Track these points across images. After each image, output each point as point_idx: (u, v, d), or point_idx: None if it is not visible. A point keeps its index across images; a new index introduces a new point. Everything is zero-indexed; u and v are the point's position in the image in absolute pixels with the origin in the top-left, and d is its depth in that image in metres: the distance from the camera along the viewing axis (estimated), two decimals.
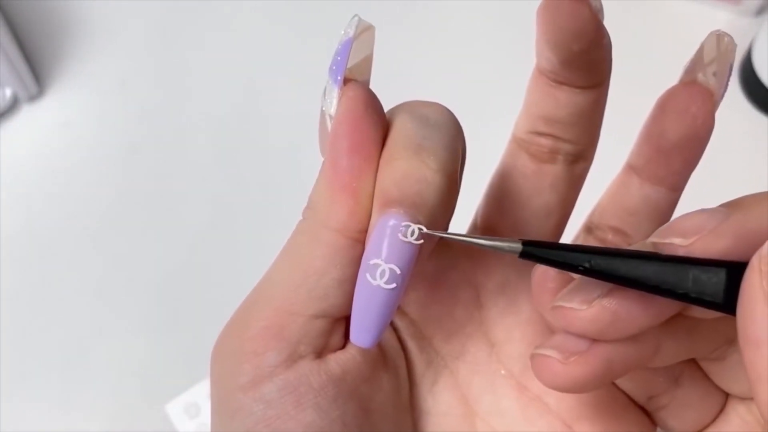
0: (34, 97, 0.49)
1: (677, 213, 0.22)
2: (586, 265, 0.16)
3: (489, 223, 0.23)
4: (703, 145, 0.21)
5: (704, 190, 0.45)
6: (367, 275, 0.18)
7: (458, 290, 0.22)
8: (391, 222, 0.17)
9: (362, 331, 0.18)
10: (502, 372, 0.22)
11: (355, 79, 0.19)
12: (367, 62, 0.19)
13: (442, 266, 0.22)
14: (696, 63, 0.20)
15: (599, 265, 0.16)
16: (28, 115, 0.49)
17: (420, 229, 0.17)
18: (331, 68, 0.19)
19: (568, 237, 0.24)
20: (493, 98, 0.40)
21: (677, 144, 0.21)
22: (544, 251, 0.17)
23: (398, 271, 0.17)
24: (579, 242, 0.24)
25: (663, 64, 0.48)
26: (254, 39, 0.52)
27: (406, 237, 0.17)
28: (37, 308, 0.44)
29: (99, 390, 0.42)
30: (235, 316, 0.20)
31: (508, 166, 0.23)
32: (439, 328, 0.22)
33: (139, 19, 0.52)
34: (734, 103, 0.47)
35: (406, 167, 0.18)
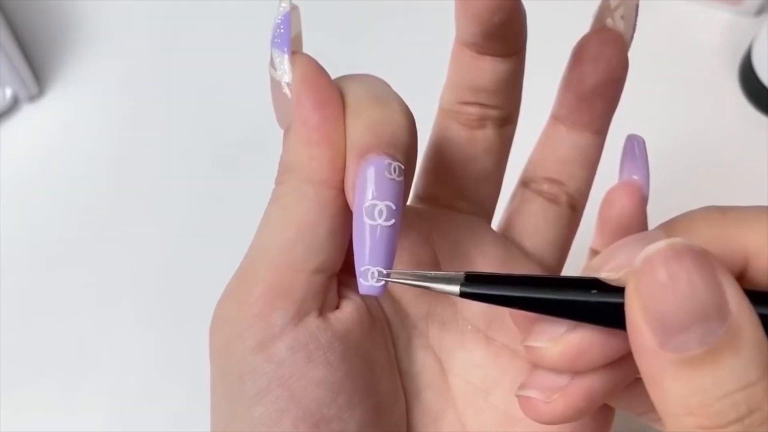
0: (34, 97, 0.49)
1: (693, 205, 0.23)
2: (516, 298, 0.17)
3: (430, 192, 0.24)
4: (620, 85, 0.23)
5: (705, 189, 0.46)
6: (365, 218, 0.18)
7: (418, 252, 0.22)
8: (375, 164, 0.18)
9: (372, 278, 0.18)
10: (469, 327, 0.23)
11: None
12: (298, 39, 0.20)
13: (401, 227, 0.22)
14: (603, 10, 0.22)
15: (527, 300, 0.17)
16: (28, 115, 0.49)
17: (400, 167, 0.18)
18: (274, 41, 0.19)
19: (504, 194, 0.25)
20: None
21: (596, 88, 0.22)
22: (482, 288, 0.18)
23: (394, 207, 0.18)
24: (518, 196, 0.25)
25: (663, 63, 0.49)
26: (254, 39, 0.51)
27: (392, 174, 0.18)
28: (36, 308, 0.44)
29: (99, 390, 0.42)
30: (232, 284, 0.20)
31: (441, 137, 0.24)
32: (404, 289, 0.22)
33: (139, 19, 0.52)
34: (734, 103, 0.47)
35: (376, 114, 0.19)
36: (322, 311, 0.19)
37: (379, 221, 0.18)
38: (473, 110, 0.23)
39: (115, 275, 0.45)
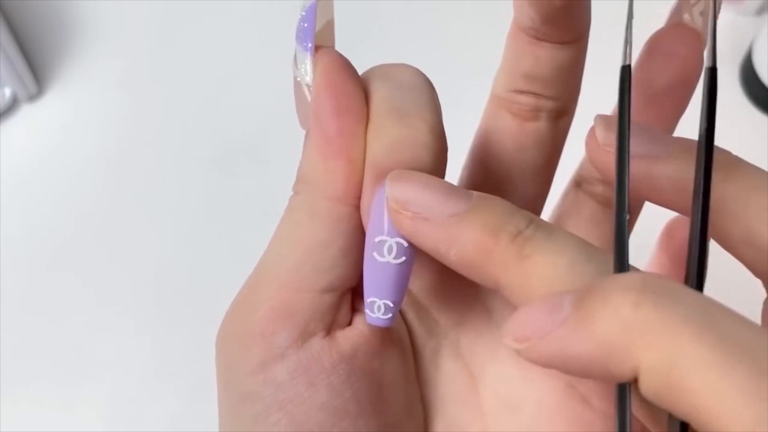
0: (34, 97, 0.49)
1: None
2: None
3: (475, 185, 0.23)
4: (692, 88, 0.21)
5: None
6: (374, 254, 0.17)
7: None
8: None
9: (378, 311, 0.18)
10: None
11: (322, 45, 0.18)
12: (330, 27, 0.19)
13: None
14: (681, 4, 0.20)
15: None
16: (28, 115, 0.49)
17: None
18: (298, 36, 0.18)
19: (555, 192, 0.24)
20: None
21: (667, 88, 0.20)
22: None
23: (405, 244, 0.17)
24: (569, 197, 0.23)
25: None
26: (255, 39, 0.51)
27: None
28: (36, 308, 0.44)
29: (99, 390, 0.42)
30: (239, 300, 0.19)
31: (490, 127, 0.22)
32: (436, 297, 0.21)
33: (138, 19, 0.52)
34: (734, 103, 0.47)
35: (396, 134, 0.17)
36: (332, 329, 0.18)
37: (389, 258, 0.17)
38: (526, 100, 0.21)
39: (114, 275, 0.45)
